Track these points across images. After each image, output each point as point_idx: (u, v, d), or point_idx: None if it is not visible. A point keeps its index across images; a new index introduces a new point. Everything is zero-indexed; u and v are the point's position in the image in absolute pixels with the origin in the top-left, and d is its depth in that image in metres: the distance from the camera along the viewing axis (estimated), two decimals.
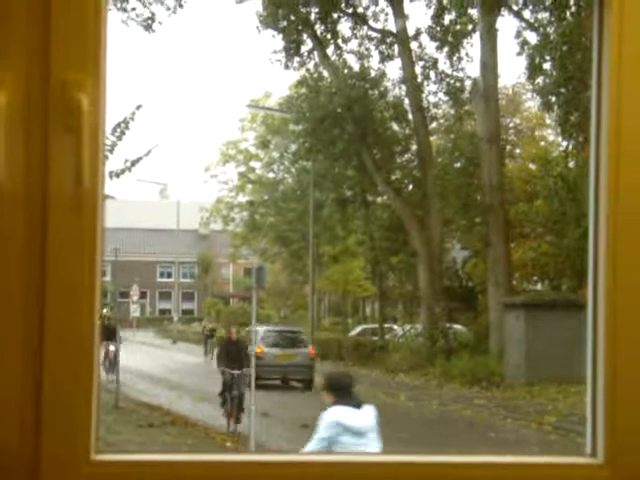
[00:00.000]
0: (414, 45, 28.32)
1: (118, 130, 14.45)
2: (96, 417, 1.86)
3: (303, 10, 27.93)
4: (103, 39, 1.86)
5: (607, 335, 1.95)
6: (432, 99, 29.21)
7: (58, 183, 1.80)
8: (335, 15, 28.58)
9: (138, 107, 15.36)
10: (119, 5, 22.55)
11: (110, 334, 22.22)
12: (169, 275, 39.94)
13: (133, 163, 15.72)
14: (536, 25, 25.64)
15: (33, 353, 1.81)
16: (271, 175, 35.61)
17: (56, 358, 1.82)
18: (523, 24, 26.32)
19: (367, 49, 29.04)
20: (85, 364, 1.84)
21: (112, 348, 22.65)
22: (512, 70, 56.14)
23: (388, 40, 28.73)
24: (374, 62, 29.76)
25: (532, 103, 35.17)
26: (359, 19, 28.73)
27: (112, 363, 22.31)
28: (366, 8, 28.77)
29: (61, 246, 1.81)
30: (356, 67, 29.00)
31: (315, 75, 29.23)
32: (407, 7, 29.64)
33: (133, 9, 22.39)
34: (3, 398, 1.80)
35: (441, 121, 31.41)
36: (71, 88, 1.79)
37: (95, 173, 1.81)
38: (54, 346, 1.81)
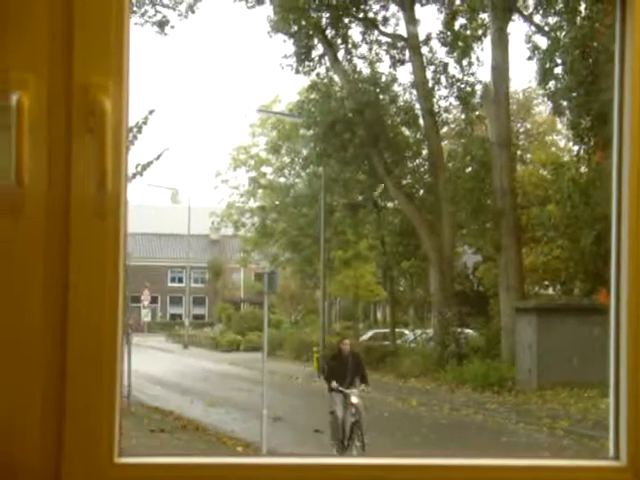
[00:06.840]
0: (425, 50, 28.33)
1: (130, 134, 14.46)
2: (119, 421, 1.87)
3: (314, 15, 27.96)
4: (125, 42, 1.86)
5: (630, 339, 1.94)
6: (443, 104, 29.17)
7: (81, 186, 1.80)
8: (346, 20, 28.61)
9: (151, 112, 15.40)
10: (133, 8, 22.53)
11: None
12: (180, 280, 39.93)
13: (144, 167, 15.77)
14: (547, 29, 25.60)
15: (56, 358, 1.81)
16: (282, 180, 35.56)
17: (79, 362, 1.82)
18: (534, 28, 26.30)
19: (378, 54, 29.06)
20: (108, 368, 1.84)
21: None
22: (523, 74, 56.08)
23: (399, 45, 28.75)
24: (385, 67, 29.79)
25: (543, 108, 35.12)
26: (370, 24, 28.73)
27: None
28: (377, 13, 28.80)
29: (84, 251, 1.80)
30: (367, 72, 29.02)
31: (326, 80, 29.24)
32: (418, 12, 29.60)
33: (145, 12, 22.39)
34: (27, 402, 1.80)
35: (452, 126, 31.33)
36: (93, 91, 1.78)
37: (118, 176, 1.81)
38: (77, 350, 1.81)
